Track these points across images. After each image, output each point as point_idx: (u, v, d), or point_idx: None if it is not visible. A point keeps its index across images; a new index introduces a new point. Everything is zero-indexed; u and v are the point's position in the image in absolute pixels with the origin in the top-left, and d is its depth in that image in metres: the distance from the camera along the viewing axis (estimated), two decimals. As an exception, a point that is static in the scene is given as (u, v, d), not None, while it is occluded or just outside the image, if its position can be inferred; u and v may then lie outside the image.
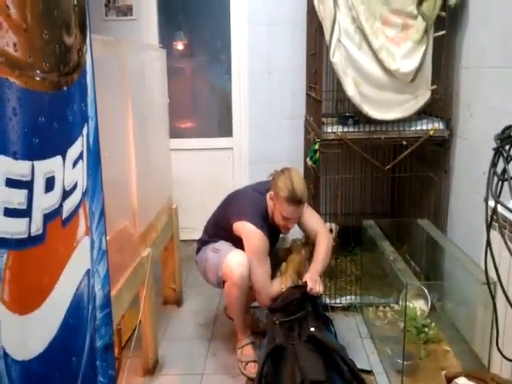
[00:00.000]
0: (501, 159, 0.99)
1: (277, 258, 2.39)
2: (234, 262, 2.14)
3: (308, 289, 2.07)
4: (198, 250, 2.43)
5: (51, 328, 0.90)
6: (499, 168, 1.00)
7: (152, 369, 2.21)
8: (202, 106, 3.93)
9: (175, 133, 3.38)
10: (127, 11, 3.55)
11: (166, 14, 3.67)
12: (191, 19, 3.75)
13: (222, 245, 2.30)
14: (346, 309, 2.74)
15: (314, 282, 2.11)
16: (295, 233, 2.55)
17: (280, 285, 2.19)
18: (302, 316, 1.95)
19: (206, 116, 3.92)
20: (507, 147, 0.95)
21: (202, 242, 2.42)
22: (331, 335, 1.98)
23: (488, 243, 1.04)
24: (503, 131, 0.97)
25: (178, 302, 2.86)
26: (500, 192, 0.98)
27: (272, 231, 2.26)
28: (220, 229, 2.34)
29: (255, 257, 2.16)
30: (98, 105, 1.24)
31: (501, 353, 1.21)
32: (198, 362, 2.30)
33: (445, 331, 2.38)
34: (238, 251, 2.20)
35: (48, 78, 0.90)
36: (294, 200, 2.10)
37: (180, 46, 3.80)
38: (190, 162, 3.75)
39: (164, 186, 2.64)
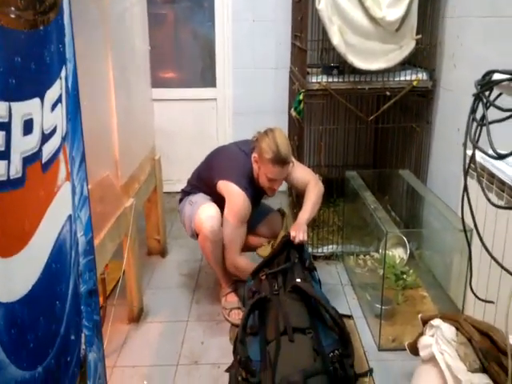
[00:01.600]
0: (480, 106, 1.00)
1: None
2: (204, 215, 2.15)
3: (291, 237, 2.10)
4: (181, 200, 2.44)
5: (34, 271, 0.91)
6: (479, 115, 1.00)
7: (137, 317, 2.26)
8: (184, 55, 3.83)
9: (157, 82, 3.30)
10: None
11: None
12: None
13: (198, 197, 2.30)
14: (328, 257, 2.81)
15: (297, 230, 2.11)
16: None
17: (251, 264, 2.20)
18: (288, 267, 1.98)
19: (189, 65, 3.83)
20: (487, 93, 0.96)
21: (185, 193, 2.42)
22: (316, 285, 2.02)
23: (465, 189, 1.06)
24: (483, 77, 0.97)
25: (163, 253, 2.89)
26: (478, 137, 0.99)
27: (256, 193, 2.25)
28: (202, 183, 2.34)
29: (235, 218, 2.15)
30: (77, 49, 1.20)
31: (473, 293, 1.26)
32: (183, 309, 2.36)
33: (422, 278, 2.46)
34: (210, 204, 2.21)
35: (23, 15, 0.87)
36: (279, 161, 2.06)
37: (161, -10, 3.66)
38: (173, 113, 3.70)
39: (146, 136, 2.61)
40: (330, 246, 2.84)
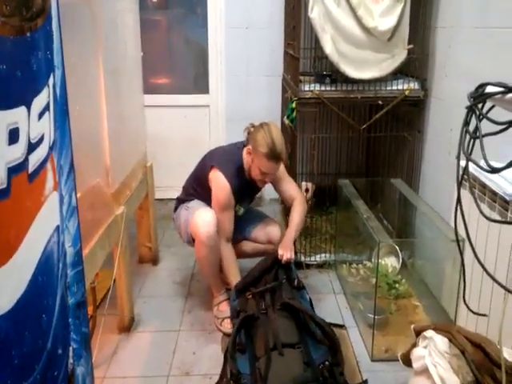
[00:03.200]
0: (473, 118, 0.99)
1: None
2: (200, 220, 2.16)
3: (279, 256, 2.12)
4: (175, 208, 2.43)
5: (19, 285, 0.88)
6: (472, 127, 1.00)
7: (128, 326, 2.23)
8: (177, 61, 3.82)
9: (150, 89, 3.28)
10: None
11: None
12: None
13: (194, 203, 2.32)
14: (321, 266, 2.80)
15: (285, 249, 2.15)
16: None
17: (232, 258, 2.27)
18: (275, 286, 1.97)
19: (182, 72, 3.82)
20: (480, 105, 0.95)
21: (180, 201, 2.42)
22: (305, 302, 2.01)
23: (458, 201, 1.05)
24: (476, 89, 0.96)
25: (154, 261, 2.86)
26: (471, 150, 0.98)
27: (248, 185, 2.28)
28: (198, 184, 2.34)
29: (216, 207, 2.20)
30: (67, 55, 1.18)
31: (466, 305, 1.25)
32: (175, 318, 2.33)
33: (415, 287, 2.46)
34: (206, 209, 2.22)
35: (9, 22, 0.85)
36: (274, 156, 2.09)
37: (154, -3, 3.66)
38: (166, 120, 3.68)
39: (138, 143, 2.59)
40: (323, 255, 2.82)
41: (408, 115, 2.72)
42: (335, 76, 2.60)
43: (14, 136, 0.84)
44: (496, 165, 0.91)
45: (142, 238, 2.82)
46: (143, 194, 2.63)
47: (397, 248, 2.53)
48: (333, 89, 2.57)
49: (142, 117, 2.70)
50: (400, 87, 2.56)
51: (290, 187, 2.39)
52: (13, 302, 0.85)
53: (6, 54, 0.83)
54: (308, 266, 2.77)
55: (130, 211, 2.26)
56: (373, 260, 2.56)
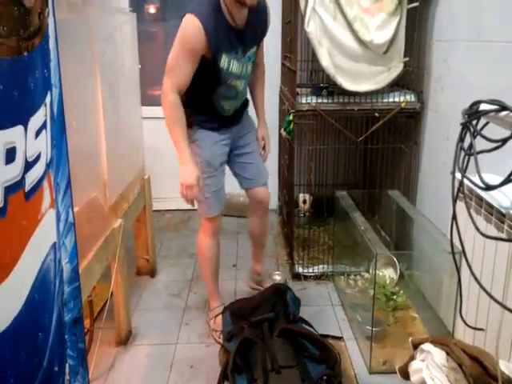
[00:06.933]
0: (468, 134, 1.00)
1: None
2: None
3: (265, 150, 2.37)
4: None
5: (15, 304, 0.88)
6: (466, 143, 1.01)
7: (125, 339, 2.22)
8: (174, 74, 3.83)
9: (147, 100, 3.29)
10: (95, -28, 3.40)
11: (137, -24, 3.54)
12: (163, -19, 3.63)
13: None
14: (319, 277, 2.79)
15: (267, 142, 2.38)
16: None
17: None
18: (272, 318, 1.96)
19: (179, 84, 3.83)
20: (474, 122, 0.96)
21: None
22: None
23: (454, 217, 1.05)
24: (471, 106, 0.97)
25: (152, 273, 2.85)
26: (466, 166, 0.99)
27: (229, 29, 1.95)
28: None
29: (178, 44, 1.92)
30: (64, 71, 1.19)
31: (463, 321, 1.25)
32: (172, 331, 2.32)
33: (412, 298, 2.45)
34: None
35: (6, 42, 0.86)
36: None
37: (152, 9, 3.68)
38: (164, 131, 3.66)
39: (136, 155, 2.60)
40: (321, 266, 2.82)
41: (405, 127, 2.73)
42: (332, 88, 2.61)
43: (10, 155, 0.85)
44: (492, 179, 0.92)
45: (139, 251, 2.81)
46: (141, 207, 2.63)
47: (394, 259, 2.53)
48: (330, 101, 2.58)
49: (140, 129, 2.71)
50: (396, 99, 2.57)
51: (260, 54, 2.24)
52: (9, 322, 0.85)
53: (3, 75, 0.84)
54: (306, 278, 2.77)
55: (127, 224, 2.26)
56: (370, 271, 2.56)
